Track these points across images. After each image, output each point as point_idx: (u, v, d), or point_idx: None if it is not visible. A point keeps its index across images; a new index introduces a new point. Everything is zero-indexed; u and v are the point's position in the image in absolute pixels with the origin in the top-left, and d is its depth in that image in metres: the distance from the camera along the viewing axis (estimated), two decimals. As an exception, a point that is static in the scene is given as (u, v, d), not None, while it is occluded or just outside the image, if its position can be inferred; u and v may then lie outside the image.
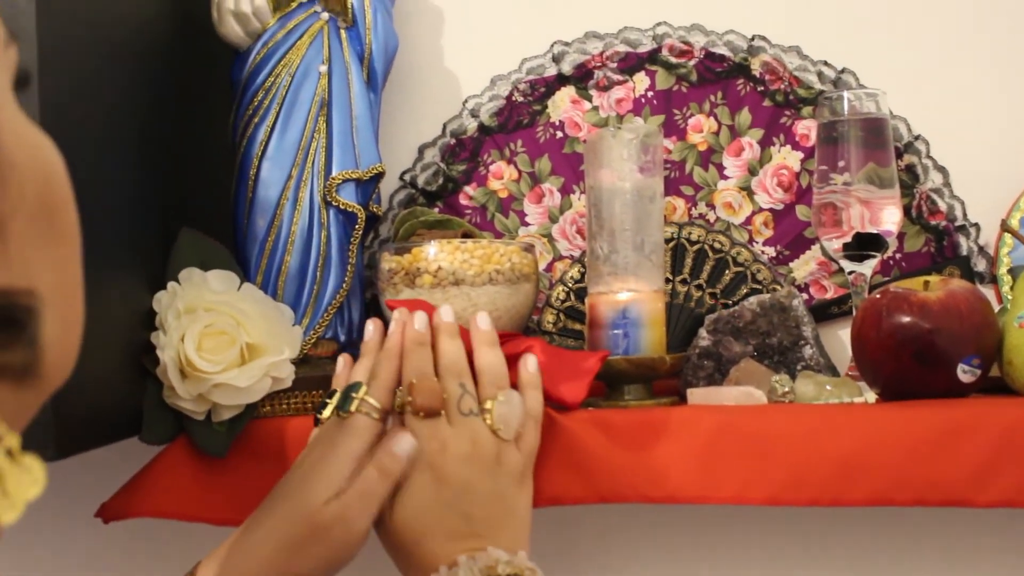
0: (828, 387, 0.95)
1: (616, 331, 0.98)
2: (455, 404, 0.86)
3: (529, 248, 1.01)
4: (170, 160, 1.02)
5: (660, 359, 0.98)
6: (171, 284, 0.95)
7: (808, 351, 1.02)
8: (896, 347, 0.90)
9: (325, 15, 1.04)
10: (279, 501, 0.85)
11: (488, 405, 0.87)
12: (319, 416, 0.90)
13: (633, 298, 0.98)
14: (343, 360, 0.94)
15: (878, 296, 0.93)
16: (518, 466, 0.87)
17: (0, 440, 0.39)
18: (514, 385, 0.89)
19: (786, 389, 0.94)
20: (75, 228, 0.45)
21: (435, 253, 0.97)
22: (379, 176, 1.03)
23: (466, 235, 1.01)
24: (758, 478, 0.87)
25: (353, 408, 0.86)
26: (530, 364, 0.90)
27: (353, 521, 0.83)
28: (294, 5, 1.03)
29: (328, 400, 0.90)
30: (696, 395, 0.97)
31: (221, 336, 0.93)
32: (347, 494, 0.83)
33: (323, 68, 1.03)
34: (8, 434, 0.39)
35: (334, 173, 1.01)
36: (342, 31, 1.04)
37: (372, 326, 0.93)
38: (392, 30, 1.06)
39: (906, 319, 0.90)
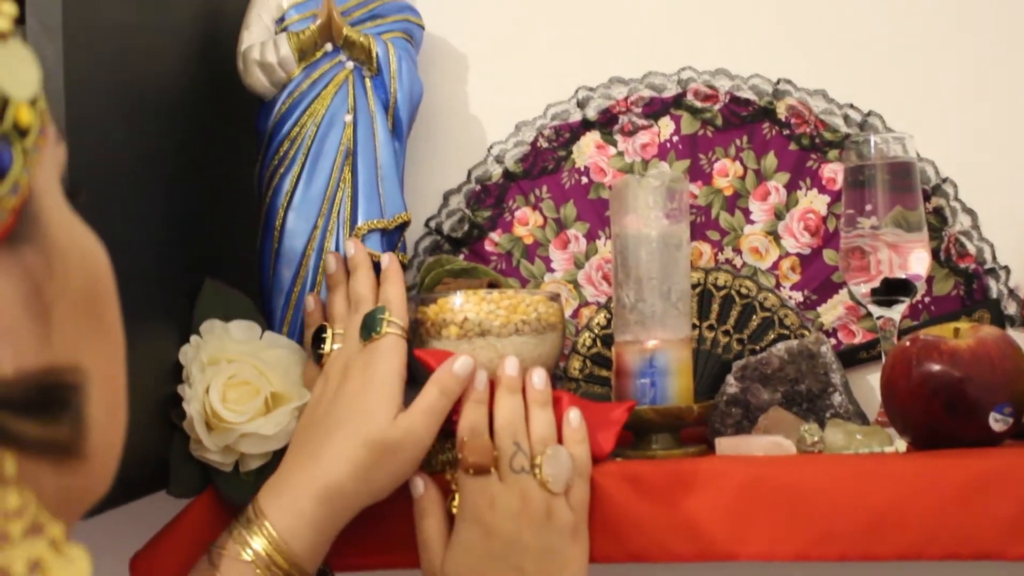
0: (858, 436, 0.94)
1: (643, 380, 0.98)
2: (507, 461, 0.89)
3: (555, 297, 1.01)
4: (196, 211, 1.02)
5: (688, 408, 0.97)
6: (194, 337, 0.95)
7: (837, 398, 1.01)
8: (927, 396, 0.90)
9: (350, 64, 1.04)
10: (336, 426, 0.89)
11: (537, 460, 0.89)
12: (321, 351, 0.95)
13: (660, 347, 0.98)
14: (311, 299, 1.00)
15: (907, 344, 0.92)
16: (569, 521, 0.88)
17: (43, 529, 0.39)
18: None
19: (816, 439, 0.94)
20: (119, 326, 0.46)
21: (461, 304, 0.96)
22: (405, 225, 1.03)
23: (492, 285, 1.01)
24: (787, 532, 0.86)
25: (384, 330, 0.91)
26: (573, 419, 0.91)
27: (421, 436, 0.89)
28: (319, 55, 1.04)
29: (323, 336, 0.96)
30: (724, 445, 0.97)
31: (245, 386, 0.93)
32: (412, 410, 0.89)
33: (348, 118, 1.03)
34: (51, 523, 0.40)
35: (359, 223, 1.01)
36: (367, 80, 1.04)
37: (333, 259, 0.99)
38: (417, 78, 1.06)
39: (936, 368, 0.90)
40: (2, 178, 0.39)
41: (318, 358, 0.96)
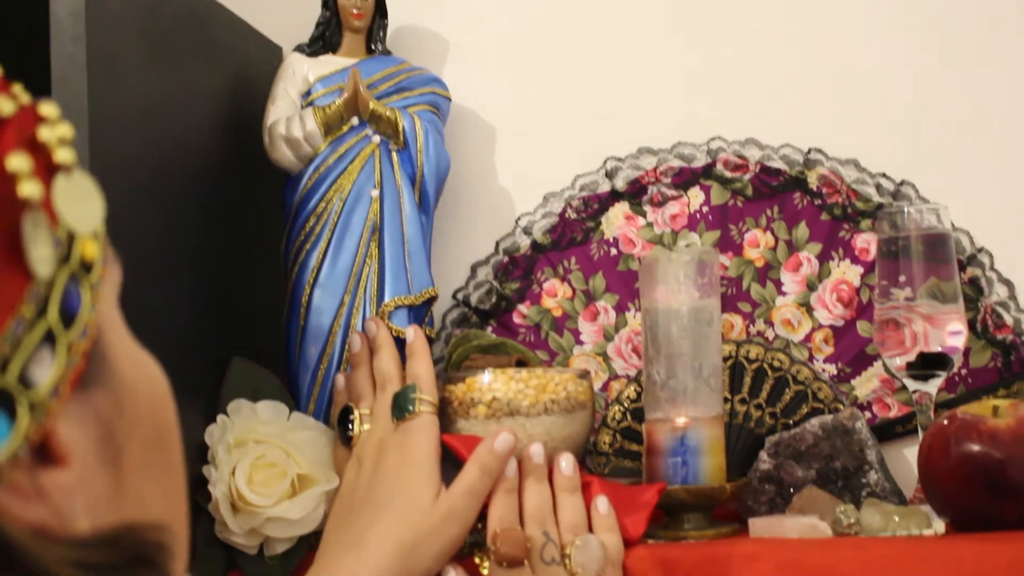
0: (896, 518, 0.91)
1: (675, 459, 0.96)
2: (538, 552, 0.87)
3: (584, 375, 0.99)
4: (222, 287, 1.01)
5: (720, 488, 0.95)
6: (221, 417, 0.94)
7: (873, 476, 0.99)
8: (967, 477, 0.87)
9: (376, 138, 1.04)
10: (377, 510, 0.88)
11: (568, 550, 0.87)
12: (349, 433, 0.94)
13: (691, 425, 0.96)
14: (341, 379, 0.99)
15: (945, 423, 0.90)
16: None
17: None
18: None
19: (852, 520, 0.91)
20: (181, 454, 0.46)
21: (489, 383, 0.95)
22: (432, 300, 1.03)
23: (520, 362, 1.00)
24: (824, 621, 0.84)
25: (417, 408, 0.91)
26: (602, 506, 0.90)
27: (463, 516, 0.88)
28: (346, 129, 1.03)
29: (351, 416, 0.94)
30: (758, 526, 0.94)
31: (272, 468, 0.92)
32: (454, 491, 0.88)
33: (375, 192, 1.02)
34: None
35: (386, 299, 1.00)
36: (394, 153, 1.04)
37: (357, 338, 0.98)
38: (444, 151, 1.06)
39: (976, 448, 0.87)
40: (72, 322, 0.38)
41: (347, 440, 0.95)
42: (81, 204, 0.39)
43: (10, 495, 0.36)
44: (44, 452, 0.38)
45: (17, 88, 0.40)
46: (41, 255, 0.37)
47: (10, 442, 0.35)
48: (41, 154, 0.39)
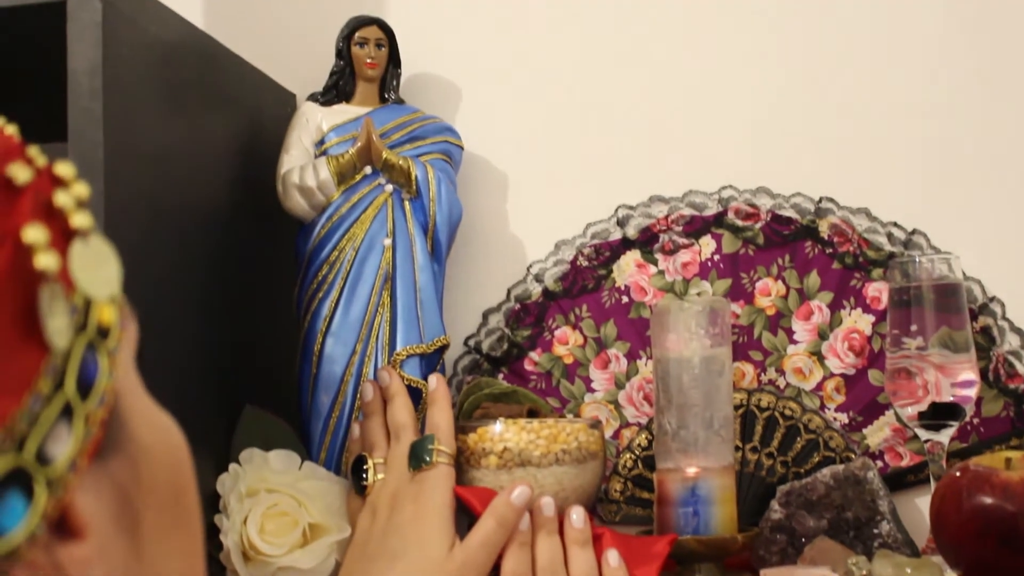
0: (908, 570, 0.91)
1: (686, 509, 0.96)
2: None
3: (596, 424, 0.99)
4: (235, 335, 1.02)
5: (732, 539, 0.95)
6: (233, 466, 0.95)
7: (885, 527, 0.99)
8: (979, 530, 0.87)
9: (389, 187, 1.04)
10: (392, 561, 0.88)
11: None
12: (364, 483, 0.94)
13: (702, 475, 0.96)
14: (357, 428, 0.99)
15: (957, 475, 0.90)
16: None
17: None
18: None
19: (864, 572, 0.91)
20: (198, 512, 0.45)
21: (500, 433, 0.95)
22: (444, 348, 1.03)
23: (532, 412, 1.00)
24: (837, 676, 0.84)
25: (434, 459, 0.91)
26: (612, 559, 0.90)
27: (478, 568, 0.88)
28: (358, 178, 1.04)
29: (365, 466, 0.95)
30: (770, 577, 0.94)
31: (283, 517, 0.92)
32: (469, 542, 0.88)
33: (387, 242, 1.03)
34: None
35: (398, 348, 1.00)
36: (406, 202, 1.04)
37: (370, 387, 0.99)
38: (456, 199, 1.06)
39: (988, 501, 0.87)
40: (89, 392, 0.37)
41: (361, 489, 0.95)
42: (98, 269, 0.39)
43: (28, 573, 0.35)
44: (61, 525, 0.37)
45: (33, 151, 0.40)
46: (58, 327, 0.36)
47: (28, 522, 0.35)
48: (58, 220, 0.38)
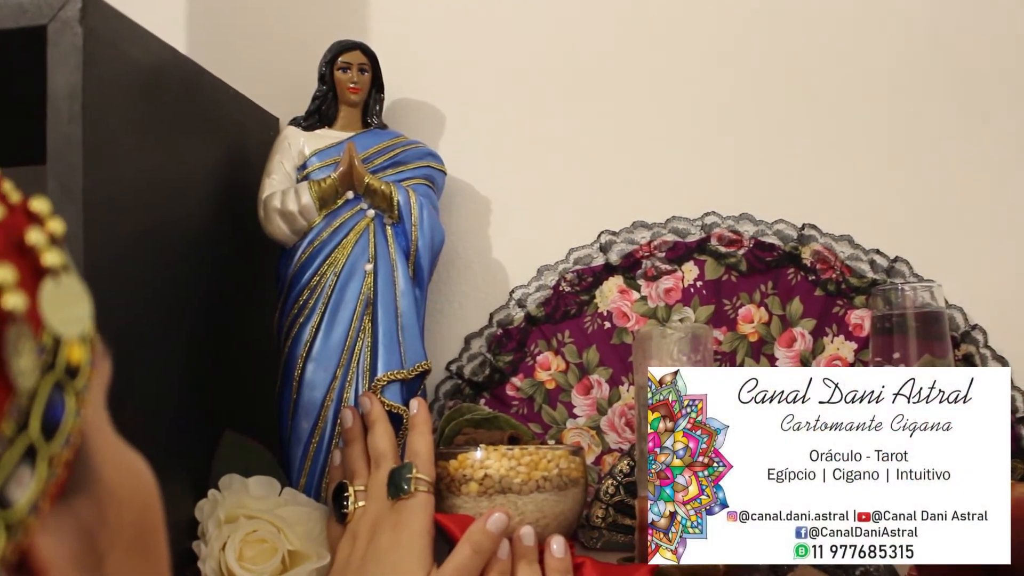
0: (889, 599, 0.91)
1: (667, 537, 0.95)
2: None
3: (577, 451, 0.99)
4: (215, 360, 1.01)
5: (713, 567, 0.94)
6: (212, 492, 0.94)
7: (867, 555, 0.99)
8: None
9: (371, 212, 1.04)
10: None
11: None
12: (345, 511, 0.94)
13: (684, 503, 0.96)
14: (338, 454, 0.99)
15: (939, 504, 0.90)
16: None
17: None
18: None
19: (845, 601, 0.91)
20: (166, 552, 0.45)
21: (481, 459, 0.95)
22: (425, 374, 1.02)
23: (513, 438, 0.99)
24: None
25: (413, 487, 0.90)
26: None
27: None
28: (340, 203, 1.03)
29: (346, 494, 0.94)
30: (751, 606, 0.94)
31: (262, 544, 0.92)
32: (445, 569, 0.87)
33: (369, 267, 1.02)
34: None
35: (379, 374, 0.99)
36: (388, 227, 1.04)
37: (349, 414, 0.99)
38: (438, 224, 1.06)
39: (970, 531, 0.87)
40: (54, 433, 0.37)
41: (341, 517, 0.94)
42: (68, 307, 0.38)
43: None
44: (22, 567, 0.36)
45: (8, 187, 0.39)
46: (23, 367, 0.35)
47: None
48: (29, 258, 0.38)
